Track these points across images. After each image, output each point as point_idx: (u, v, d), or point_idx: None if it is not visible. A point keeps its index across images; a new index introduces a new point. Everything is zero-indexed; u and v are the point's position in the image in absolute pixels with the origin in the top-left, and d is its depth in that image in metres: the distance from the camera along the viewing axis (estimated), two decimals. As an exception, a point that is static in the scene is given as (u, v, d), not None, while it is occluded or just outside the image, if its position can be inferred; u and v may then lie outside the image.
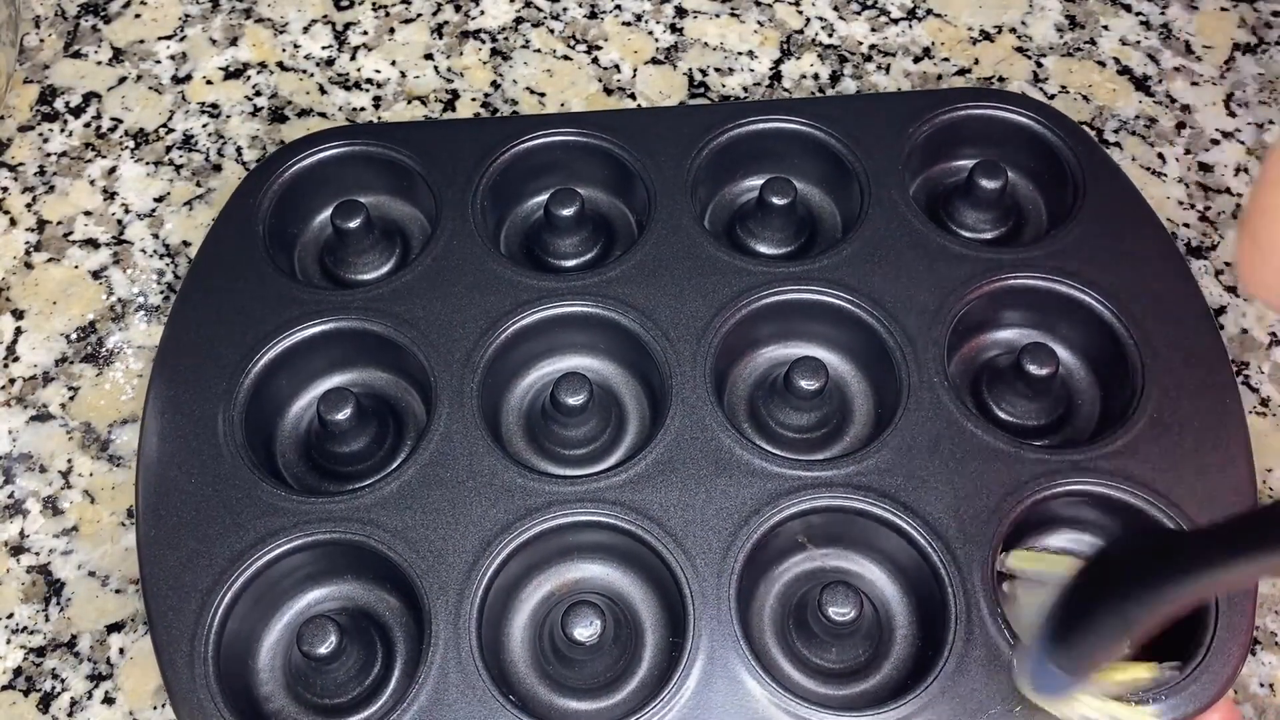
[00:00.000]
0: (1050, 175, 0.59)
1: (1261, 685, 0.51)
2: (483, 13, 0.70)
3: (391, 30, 0.69)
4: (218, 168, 0.64)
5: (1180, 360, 0.52)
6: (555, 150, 0.59)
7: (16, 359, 0.58)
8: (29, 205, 0.63)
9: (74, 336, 0.59)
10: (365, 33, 0.69)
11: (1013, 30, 0.69)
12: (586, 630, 0.46)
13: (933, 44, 0.69)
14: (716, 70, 0.68)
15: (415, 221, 0.60)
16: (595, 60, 0.68)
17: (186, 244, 0.62)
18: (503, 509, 0.49)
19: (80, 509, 0.55)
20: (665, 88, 0.67)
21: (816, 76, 0.67)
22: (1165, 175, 0.64)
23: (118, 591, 0.53)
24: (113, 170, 0.64)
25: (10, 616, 0.52)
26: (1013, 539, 0.49)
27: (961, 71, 0.68)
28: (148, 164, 0.64)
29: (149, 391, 0.52)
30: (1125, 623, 0.35)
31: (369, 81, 0.67)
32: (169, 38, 0.69)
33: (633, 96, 0.67)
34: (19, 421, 0.57)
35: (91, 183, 0.64)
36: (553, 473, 0.52)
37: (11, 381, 0.58)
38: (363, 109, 0.66)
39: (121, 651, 0.52)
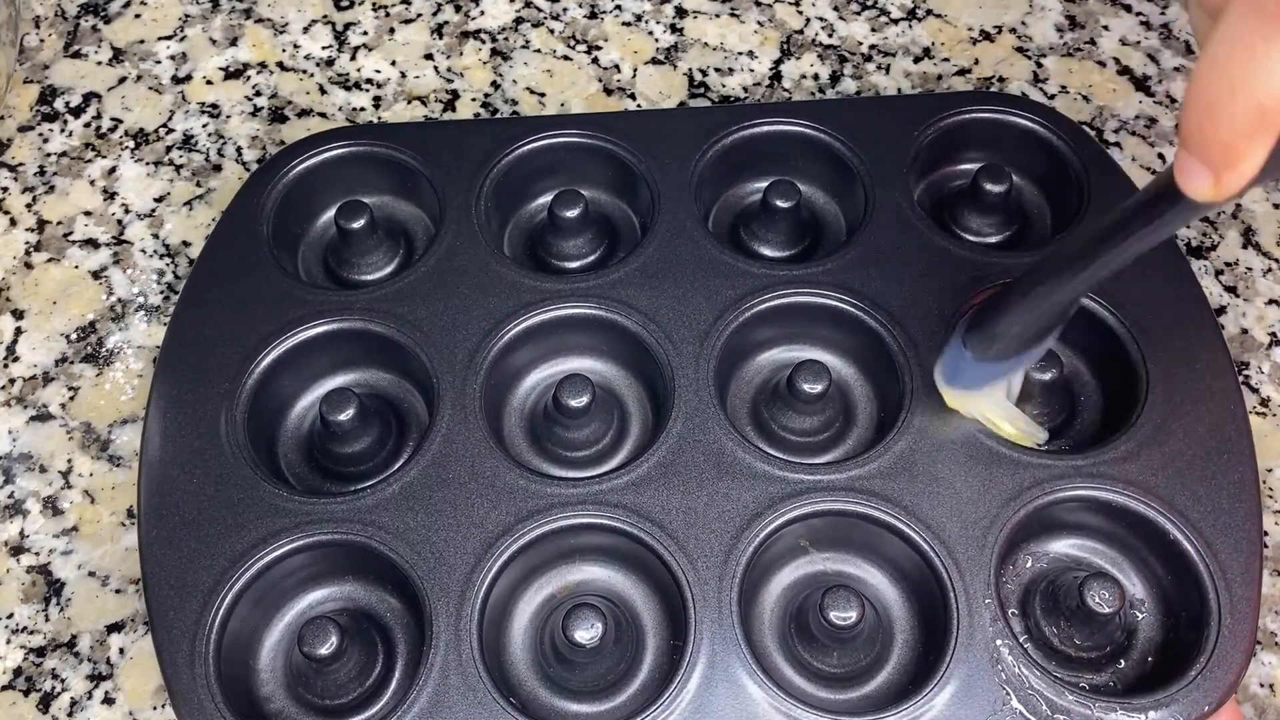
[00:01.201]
0: (1055, 179, 0.59)
1: (1261, 685, 0.51)
2: (483, 13, 0.70)
3: (391, 30, 0.69)
4: (218, 168, 0.64)
5: (1182, 363, 0.52)
6: (559, 152, 0.59)
7: (16, 359, 0.58)
8: (29, 205, 0.63)
9: (74, 336, 0.59)
10: (365, 33, 0.69)
11: (1013, 30, 0.69)
12: (588, 633, 0.46)
13: (933, 44, 0.69)
14: (716, 70, 0.68)
15: (419, 222, 0.60)
16: (595, 60, 0.68)
17: (186, 244, 0.62)
18: (505, 511, 0.49)
19: (80, 509, 0.55)
20: (665, 88, 0.67)
21: (816, 77, 0.67)
22: (1166, 178, 0.64)
23: (118, 591, 0.53)
24: (113, 170, 0.64)
25: (10, 616, 0.52)
26: (1015, 543, 0.49)
27: (961, 72, 0.68)
28: (148, 164, 0.64)
29: (152, 391, 0.52)
30: (1029, 304, 0.44)
31: (369, 81, 0.67)
32: (169, 38, 0.69)
33: (633, 97, 0.67)
34: (19, 421, 0.57)
35: (91, 183, 0.64)
36: (555, 475, 0.52)
37: (11, 381, 0.58)
38: (363, 109, 0.66)
39: (121, 651, 0.52)
